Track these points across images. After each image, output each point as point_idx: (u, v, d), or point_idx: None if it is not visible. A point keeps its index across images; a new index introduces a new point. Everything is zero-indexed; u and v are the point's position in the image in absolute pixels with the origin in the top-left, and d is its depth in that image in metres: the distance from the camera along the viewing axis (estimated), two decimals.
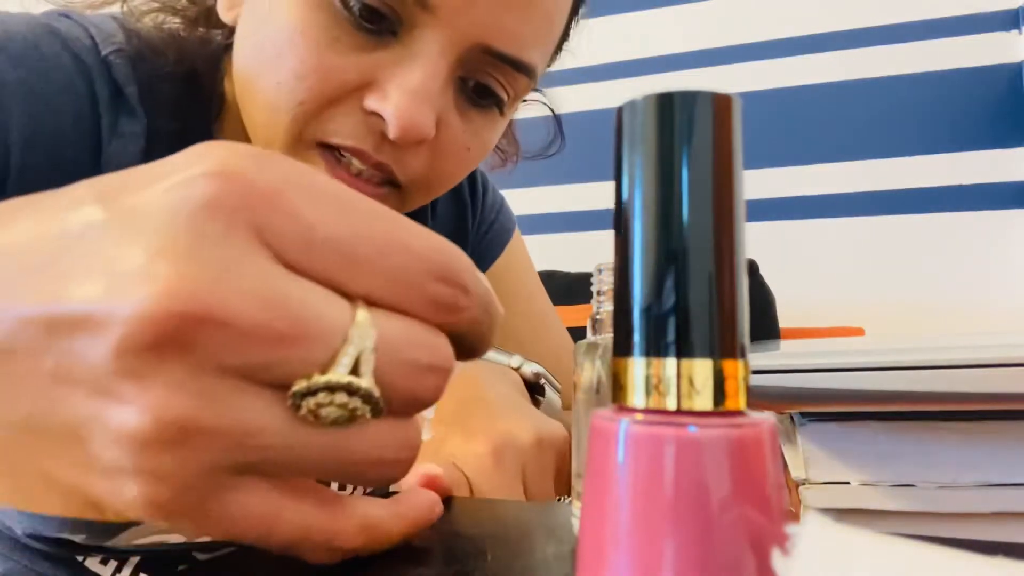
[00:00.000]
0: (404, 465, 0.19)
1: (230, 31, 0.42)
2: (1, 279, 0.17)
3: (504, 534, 0.29)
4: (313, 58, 0.36)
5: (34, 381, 0.17)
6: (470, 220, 0.60)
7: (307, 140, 0.38)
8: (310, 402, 0.17)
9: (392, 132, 0.36)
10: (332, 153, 0.38)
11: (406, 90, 0.36)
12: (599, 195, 1.57)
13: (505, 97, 0.41)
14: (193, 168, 0.17)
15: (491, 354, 0.47)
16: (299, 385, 0.17)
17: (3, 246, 0.18)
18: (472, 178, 0.61)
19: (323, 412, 0.17)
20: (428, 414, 0.25)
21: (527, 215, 1.60)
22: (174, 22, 0.46)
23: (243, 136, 0.43)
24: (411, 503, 0.23)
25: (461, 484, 0.35)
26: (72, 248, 0.17)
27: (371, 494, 0.23)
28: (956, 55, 1.36)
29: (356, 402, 0.17)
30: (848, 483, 0.26)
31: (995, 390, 0.23)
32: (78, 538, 0.42)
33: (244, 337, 0.16)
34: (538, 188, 1.60)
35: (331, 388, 0.17)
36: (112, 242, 0.16)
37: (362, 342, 0.17)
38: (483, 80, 0.40)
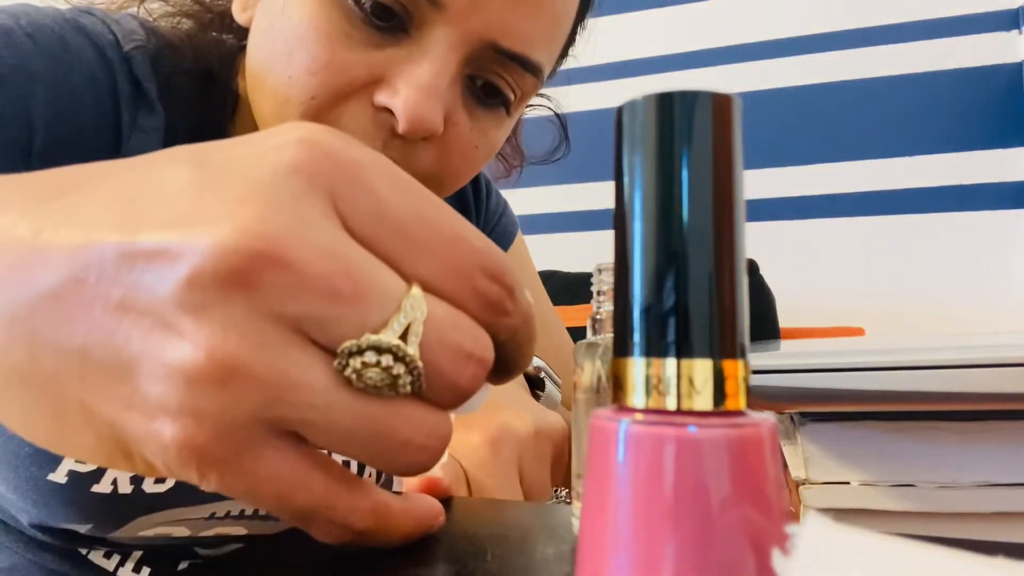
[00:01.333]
0: (432, 453, 0.19)
1: (243, 34, 0.43)
2: (91, 217, 0.18)
3: (504, 534, 0.29)
4: (325, 54, 0.37)
5: (97, 310, 0.17)
6: (473, 221, 0.60)
7: None
8: (356, 361, 0.17)
9: (401, 126, 0.37)
10: None
11: (415, 85, 0.36)
12: (599, 195, 1.57)
13: (512, 97, 0.42)
14: (284, 136, 0.18)
15: None
16: (349, 343, 0.17)
17: (99, 191, 0.19)
18: (475, 181, 0.61)
19: (367, 374, 0.18)
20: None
21: (527, 215, 1.60)
22: (188, 25, 0.46)
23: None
24: (419, 504, 0.24)
25: (459, 476, 0.35)
26: (160, 194, 0.18)
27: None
28: (956, 55, 1.36)
29: (400, 368, 0.18)
30: (848, 483, 0.26)
31: (995, 390, 0.23)
32: (83, 529, 0.42)
33: (306, 287, 0.17)
34: (538, 188, 1.60)
35: (379, 349, 0.17)
36: (199, 190, 0.17)
37: (414, 313, 0.18)
38: (491, 79, 0.40)
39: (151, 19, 0.47)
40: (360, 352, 0.17)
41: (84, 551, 0.45)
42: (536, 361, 0.48)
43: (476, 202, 0.61)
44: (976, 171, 1.34)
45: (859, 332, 1.26)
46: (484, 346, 0.19)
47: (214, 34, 0.46)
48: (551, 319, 0.64)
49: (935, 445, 0.26)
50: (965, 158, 1.34)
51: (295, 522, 0.20)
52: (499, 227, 0.63)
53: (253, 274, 0.16)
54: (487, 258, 0.19)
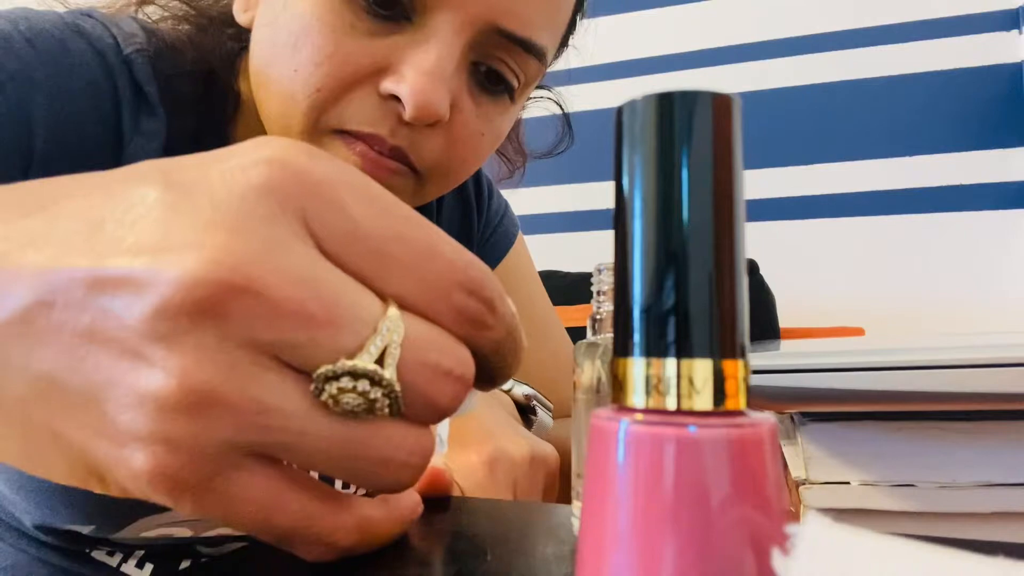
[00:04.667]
0: (414, 471, 0.19)
1: (244, 35, 0.43)
2: (59, 238, 0.18)
3: (504, 534, 0.29)
4: (329, 45, 0.37)
5: (66, 335, 0.17)
6: (475, 222, 0.60)
7: (324, 127, 0.39)
8: (332, 387, 0.17)
9: (408, 112, 0.37)
10: (350, 138, 0.39)
11: (421, 70, 0.37)
12: (599, 195, 1.57)
13: (516, 84, 0.42)
14: (253, 154, 0.18)
15: None
16: (324, 368, 0.17)
17: (67, 210, 0.18)
18: (478, 180, 0.61)
19: (344, 399, 0.17)
20: (442, 449, 0.26)
21: (528, 215, 1.60)
22: (188, 27, 0.46)
23: (260, 133, 0.43)
24: (399, 503, 0.23)
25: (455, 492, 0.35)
26: (128, 215, 0.17)
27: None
28: (956, 55, 1.36)
29: (377, 392, 0.18)
30: (848, 483, 0.26)
31: (995, 390, 0.23)
32: (86, 530, 0.42)
33: (278, 314, 0.16)
34: (538, 188, 1.60)
35: (355, 374, 0.17)
36: (167, 212, 0.17)
37: (390, 335, 0.18)
38: (495, 66, 0.41)
39: (151, 21, 0.47)
40: (336, 377, 0.17)
41: (87, 550, 0.45)
42: (527, 389, 0.48)
43: (478, 203, 0.61)
44: (976, 171, 1.34)
45: (859, 332, 1.26)
46: (464, 363, 0.19)
47: (215, 35, 0.46)
48: (552, 323, 0.64)
49: (935, 445, 0.26)
50: (965, 158, 1.34)
51: (278, 544, 0.19)
52: (500, 228, 0.63)
53: (222, 304, 0.16)
54: (465, 273, 0.19)
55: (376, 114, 0.38)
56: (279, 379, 0.17)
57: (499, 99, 0.42)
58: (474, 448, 0.37)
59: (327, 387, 0.17)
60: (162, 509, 0.42)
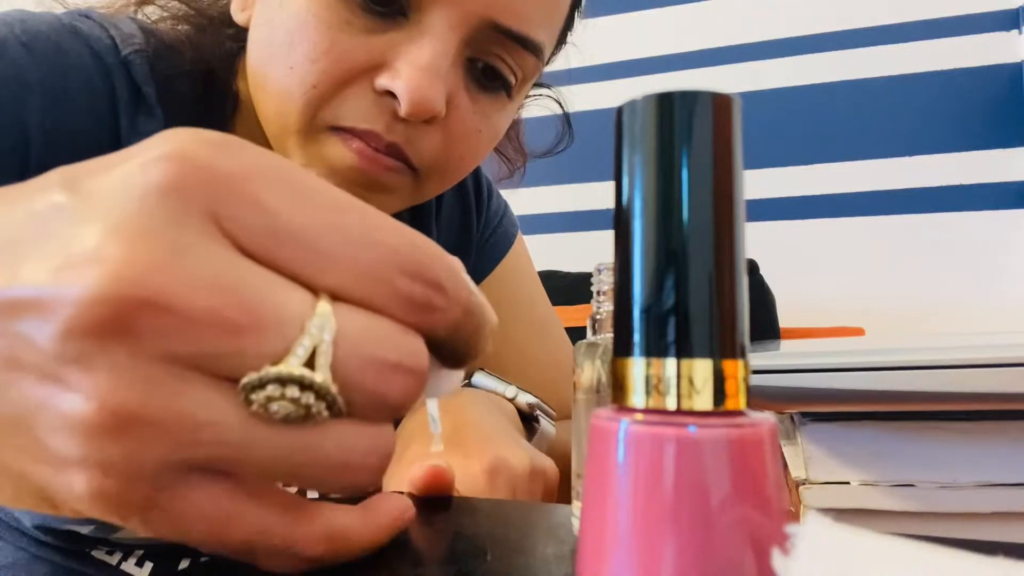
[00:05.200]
0: (372, 472, 0.18)
1: (242, 35, 0.43)
2: None
3: (504, 534, 0.29)
4: (325, 41, 0.37)
5: None
6: (475, 223, 0.60)
7: (320, 124, 0.39)
8: (260, 396, 0.16)
9: (404, 108, 0.37)
10: (347, 135, 0.39)
11: (417, 66, 0.37)
12: (599, 195, 1.57)
13: (513, 80, 0.42)
14: (152, 151, 0.17)
15: (487, 382, 0.48)
16: (248, 377, 0.16)
17: None
18: (477, 180, 0.61)
19: (273, 407, 0.16)
20: (436, 429, 0.25)
21: (527, 215, 1.60)
22: (186, 28, 0.46)
23: (258, 133, 0.43)
24: (381, 508, 0.22)
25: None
26: (33, 230, 0.17)
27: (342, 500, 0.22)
28: (956, 55, 1.36)
29: (309, 398, 0.16)
30: (848, 483, 0.26)
31: (995, 390, 0.23)
32: (85, 530, 0.42)
33: (191, 324, 0.15)
34: (538, 188, 1.60)
35: (281, 381, 0.16)
36: (68, 224, 0.16)
37: (320, 334, 0.17)
38: (491, 62, 0.41)
39: (150, 22, 0.47)
40: (261, 386, 0.16)
41: (87, 548, 0.45)
42: (530, 398, 0.48)
43: (478, 203, 0.61)
44: (976, 171, 1.34)
45: (859, 332, 1.26)
46: (412, 353, 0.18)
47: (214, 36, 0.46)
48: (552, 324, 0.64)
49: (935, 445, 0.26)
50: (965, 158, 1.34)
51: (238, 557, 0.18)
52: (500, 229, 0.63)
53: (128, 320, 0.15)
54: (404, 256, 0.18)
55: (372, 110, 0.38)
56: (208, 391, 0.16)
57: (496, 96, 0.42)
58: (475, 456, 0.37)
59: (254, 396, 0.16)
60: None
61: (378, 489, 0.22)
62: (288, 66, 0.37)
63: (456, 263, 0.20)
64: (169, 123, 0.43)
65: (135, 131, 0.42)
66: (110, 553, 0.45)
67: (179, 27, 0.46)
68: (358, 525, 0.20)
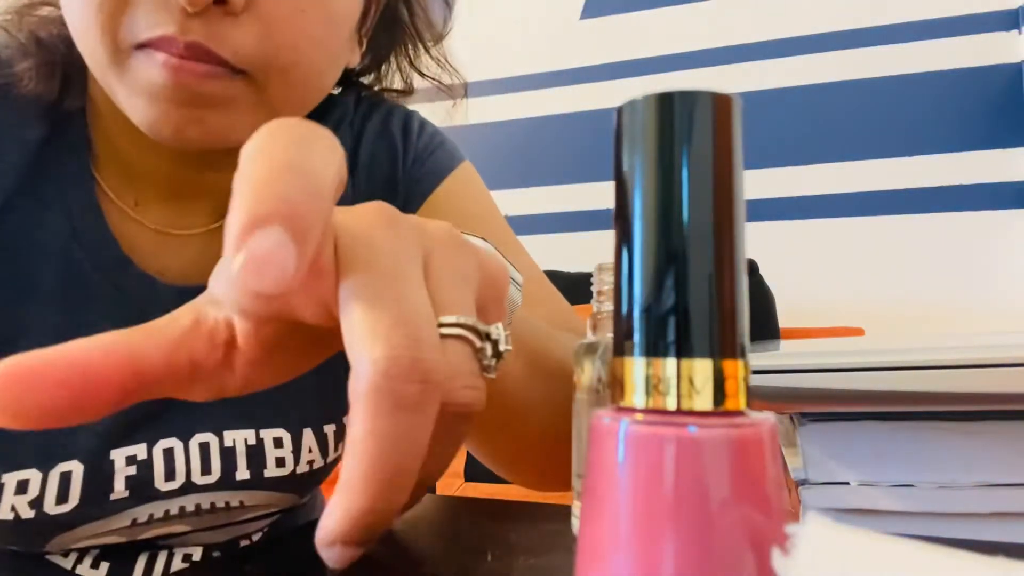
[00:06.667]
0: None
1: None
2: None
3: (504, 534, 0.29)
4: None
5: None
6: (400, 156, 0.56)
7: (124, 49, 0.36)
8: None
9: None
10: (149, 50, 0.36)
11: None
12: (599, 195, 1.57)
13: None
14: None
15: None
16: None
17: None
18: (406, 122, 0.56)
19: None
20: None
21: (527, 215, 1.60)
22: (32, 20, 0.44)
23: (107, 108, 0.42)
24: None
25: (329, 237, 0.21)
26: None
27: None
28: (956, 55, 1.36)
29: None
30: (848, 483, 0.26)
31: (995, 390, 0.23)
32: (15, 547, 0.41)
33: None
34: (538, 188, 1.60)
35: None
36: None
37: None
38: None
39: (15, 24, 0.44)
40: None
41: (41, 552, 0.44)
42: (484, 244, 0.35)
43: (405, 143, 0.55)
44: (976, 171, 1.34)
45: (859, 332, 1.26)
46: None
47: (47, 13, 0.43)
48: (510, 241, 0.56)
49: (935, 445, 0.26)
50: (965, 158, 1.35)
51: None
52: (433, 157, 0.56)
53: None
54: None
55: (160, 14, 0.35)
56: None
57: None
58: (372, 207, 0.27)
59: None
60: (72, 527, 0.41)
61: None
62: (79, 4, 0.35)
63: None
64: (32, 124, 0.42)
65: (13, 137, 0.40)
66: (64, 555, 0.44)
67: (24, 20, 0.43)
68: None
